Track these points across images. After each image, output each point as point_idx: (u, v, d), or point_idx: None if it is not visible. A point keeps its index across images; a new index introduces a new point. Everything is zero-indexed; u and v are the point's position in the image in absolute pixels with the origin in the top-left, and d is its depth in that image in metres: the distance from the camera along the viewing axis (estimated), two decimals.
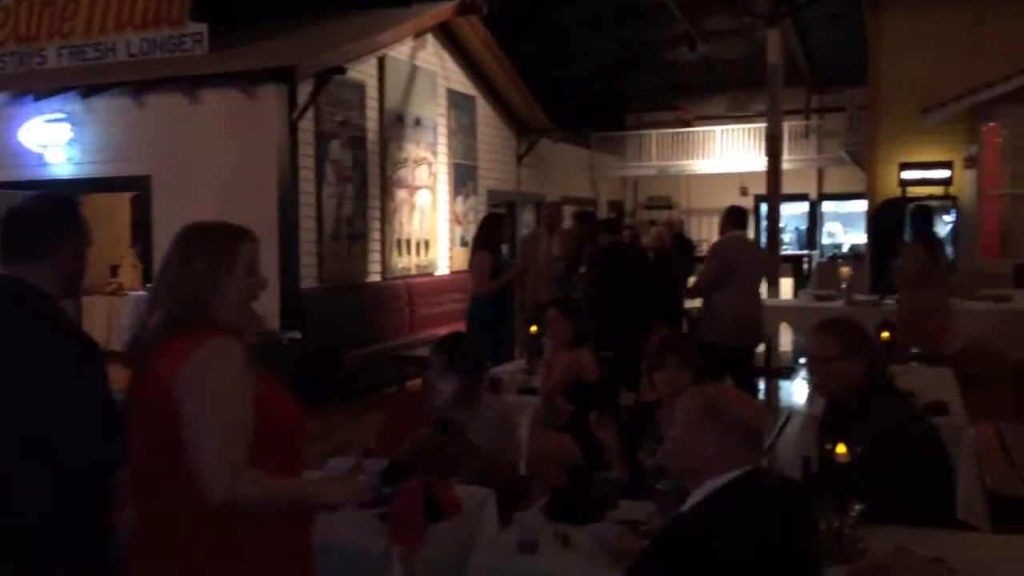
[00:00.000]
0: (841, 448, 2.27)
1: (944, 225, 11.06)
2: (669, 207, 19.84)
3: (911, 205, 8.63)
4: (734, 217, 6.69)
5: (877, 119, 11.43)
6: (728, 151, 18.85)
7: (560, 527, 2.45)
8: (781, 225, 21.63)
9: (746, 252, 6.72)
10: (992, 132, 10.98)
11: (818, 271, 14.72)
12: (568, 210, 11.14)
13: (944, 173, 10.73)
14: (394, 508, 2.52)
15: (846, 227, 21.64)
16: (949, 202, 10.82)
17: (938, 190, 10.82)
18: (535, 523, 2.44)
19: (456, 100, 11.44)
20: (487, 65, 11.91)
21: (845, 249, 19.53)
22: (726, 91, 19.22)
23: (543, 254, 7.02)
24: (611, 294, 5.99)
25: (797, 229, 21.03)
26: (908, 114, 10.75)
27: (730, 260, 6.36)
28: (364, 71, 9.45)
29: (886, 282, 9.85)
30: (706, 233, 20.27)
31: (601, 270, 6.33)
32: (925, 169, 10.84)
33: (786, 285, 13.53)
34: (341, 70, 8.46)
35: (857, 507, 2.23)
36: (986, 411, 7.66)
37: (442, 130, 11.10)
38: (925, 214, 7.07)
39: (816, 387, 2.76)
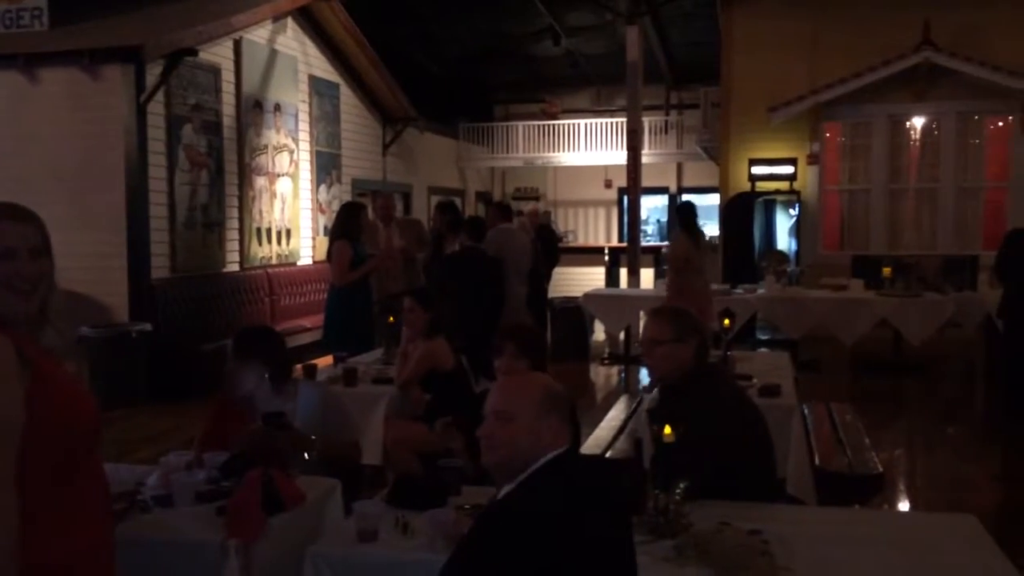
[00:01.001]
0: (667, 429, 2.38)
1: (789, 219, 11.70)
2: (536, 198, 20.11)
3: (682, 202, 8.87)
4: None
5: (729, 116, 11.95)
6: (593, 144, 19.26)
7: (401, 514, 2.47)
8: (644, 217, 22.39)
9: (511, 245, 7.06)
10: (832, 131, 11.69)
11: None
12: (465, 202, 11.11)
13: (789, 169, 11.33)
14: (231, 501, 2.47)
15: (706, 219, 22.56)
16: (794, 196, 11.43)
17: (784, 185, 11.42)
18: (375, 511, 2.44)
19: (319, 87, 11.22)
20: (351, 52, 11.73)
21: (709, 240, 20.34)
22: (591, 85, 19.62)
23: (384, 245, 6.98)
24: (465, 296, 6.03)
25: (659, 221, 21.73)
26: (757, 112, 11.29)
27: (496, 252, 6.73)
28: (219, 53, 9.14)
29: (737, 272, 10.38)
30: (572, 224, 20.72)
31: (455, 275, 6.36)
32: (772, 165, 11.42)
33: (647, 275, 13.95)
34: (193, 51, 8.15)
35: (682, 485, 2.35)
36: (823, 393, 8.20)
37: (304, 117, 10.87)
38: (689, 207, 7.75)
39: (649, 369, 2.88)
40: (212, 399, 3.66)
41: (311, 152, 11.03)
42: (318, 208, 11.12)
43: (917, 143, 11.45)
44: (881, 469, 4.00)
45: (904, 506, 5.10)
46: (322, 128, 11.29)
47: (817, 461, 4.07)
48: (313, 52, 11.15)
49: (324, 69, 11.43)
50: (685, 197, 21.27)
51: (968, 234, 11.24)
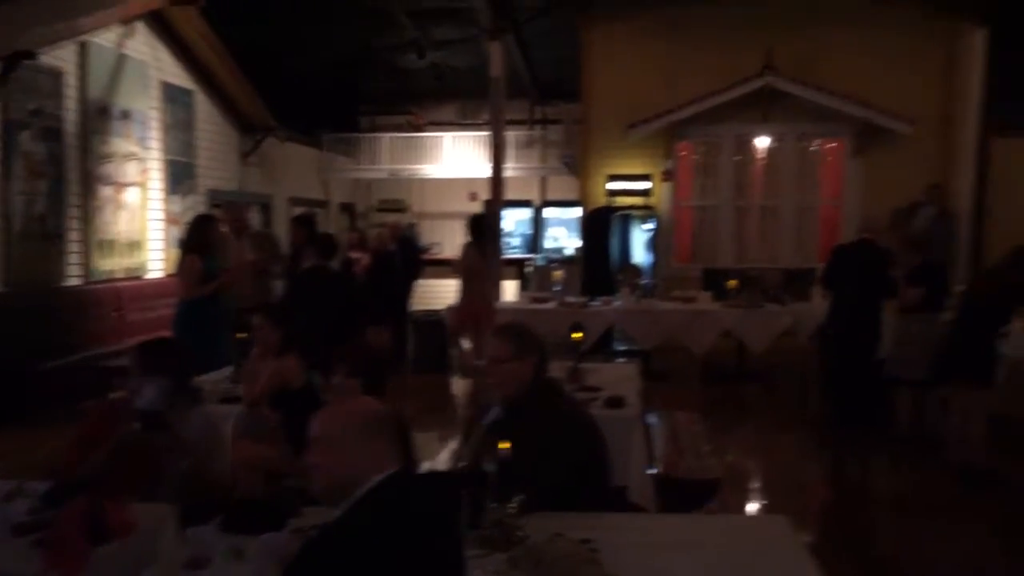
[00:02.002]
0: (504, 444, 2.45)
1: (644, 233, 12.13)
2: (402, 210, 20.04)
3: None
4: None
5: (589, 133, 12.31)
6: (458, 157, 19.39)
7: (237, 539, 2.42)
8: (509, 230, 22.67)
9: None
10: (685, 149, 12.23)
11: (536, 274, 15.55)
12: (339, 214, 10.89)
13: (645, 185, 11.78)
14: (51, 532, 2.36)
15: (570, 232, 23.06)
16: (649, 211, 11.87)
17: (640, 200, 11.85)
18: (209, 537, 2.39)
19: (171, 93, 10.82)
20: (207, 58, 11.38)
21: (569, 253, 20.79)
22: (456, 99, 19.73)
23: (235, 258, 6.82)
24: (313, 315, 5.97)
25: (523, 234, 22.06)
26: (615, 129, 11.69)
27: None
28: (62, 57, 8.68)
29: (595, 284, 10.68)
30: (438, 236, 20.74)
31: (304, 293, 6.29)
32: (629, 181, 11.83)
33: (511, 287, 14.16)
34: (31, 55, 7.71)
35: (518, 498, 2.42)
36: (674, 401, 8.55)
37: (155, 124, 10.45)
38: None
39: (492, 387, 2.95)
40: (84, 410, 3.46)
41: (162, 161, 10.61)
42: (170, 219, 10.70)
43: (761, 163, 12.13)
44: (718, 474, 4.22)
45: (749, 508, 5.38)
46: (175, 136, 10.88)
47: (659, 469, 4.25)
48: (166, 57, 10.75)
49: (177, 75, 11.03)
50: (546, 211, 21.72)
51: (806, 249, 11.98)
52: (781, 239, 12.08)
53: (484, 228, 8.44)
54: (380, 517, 1.78)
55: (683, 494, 4.14)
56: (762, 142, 12.02)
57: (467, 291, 8.44)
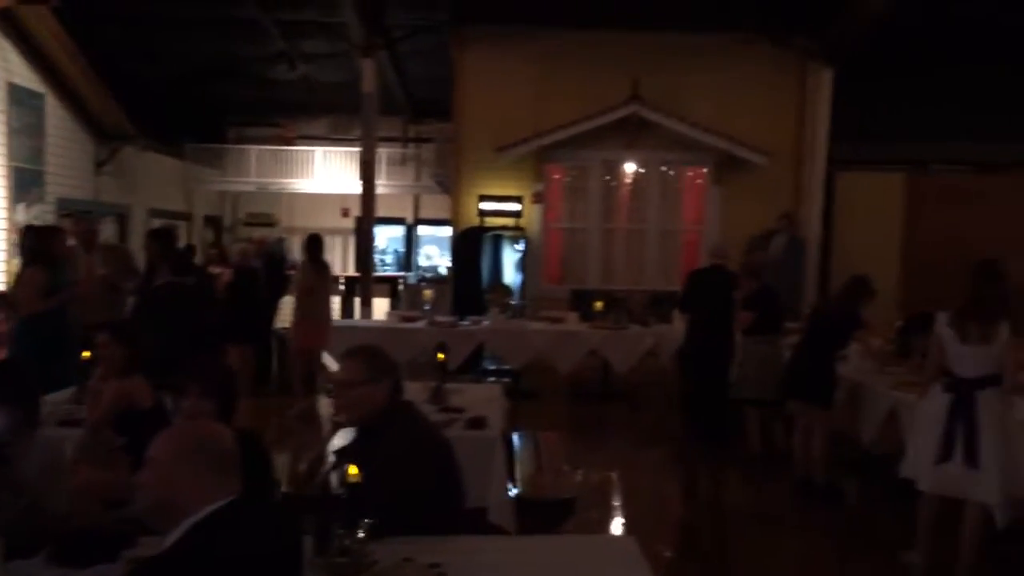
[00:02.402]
0: (353, 469, 2.41)
1: (515, 253, 12.26)
2: (270, 224, 19.56)
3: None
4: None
5: (461, 153, 12.36)
6: (330, 172, 19.12)
7: (66, 572, 2.28)
8: (383, 247, 22.48)
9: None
10: (555, 172, 12.46)
11: (407, 293, 15.49)
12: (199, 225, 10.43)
13: (516, 206, 11.91)
14: None
15: (443, 251, 23.10)
16: (520, 232, 12.01)
17: (511, 221, 11.96)
18: (36, 570, 2.24)
19: (19, 96, 10.20)
20: (59, 60, 10.79)
21: (443, 271, 20.82)
22: (328, 113, 19.49)
23: (84, 272, 6.47)
24: (165, 333, 5.73)
25: (396, 251, 21.94)
26: (487, 150, 11.78)
27: None
28: None
29: (466, 304, 10.71)
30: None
31: (157, 311, 6.03)
32: (500, 202, 11.93)
33: (382, 305, 14.01)
34: None
35: (366, 523, 2.38)
36: (542, 421, 8.65)
37: (0, 128, 9.80)
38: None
39: (341, 411, 2.90)
40: None
41: (7, 167, 9.96)
42: (14, 229, 10.04)
43: (628, 188, 12.51)
44: (575, 493, 4.28)
45: (609, 525, 5.47)
46: (22, 141, 10.25)
47: (518, 489, 4.28)
48: (14, 59, 10.13)
49: (27, 77, 10.41)
50: (420, 229, 21.72)
51: (670, 272, 12.40)
52: (646, 262, 12.46)
53: (320, 249, 8.75)
54: (206, 551, 1.71)
55: (541, 514, 4.19)
56: (629, 168, 12.40)
57: (301, 310, 8.68)
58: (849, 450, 6.37)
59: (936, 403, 4.38)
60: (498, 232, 12.13)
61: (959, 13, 10.83)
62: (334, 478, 2.60)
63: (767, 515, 6.03)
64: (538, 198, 12.22)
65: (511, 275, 12.38)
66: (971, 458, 4.19)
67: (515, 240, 12.19)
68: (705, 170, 12.33)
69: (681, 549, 5.29)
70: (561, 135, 11.64)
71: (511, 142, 11.62)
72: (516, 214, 11.94)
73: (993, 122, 11.63)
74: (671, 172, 12.48)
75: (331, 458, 2.87)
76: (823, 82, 11.64)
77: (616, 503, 6.14)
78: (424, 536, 2.65)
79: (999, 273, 4.50)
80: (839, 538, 5.37)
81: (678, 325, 8.49)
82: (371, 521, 2.39)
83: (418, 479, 2.64)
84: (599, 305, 9.66)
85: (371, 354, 2.90)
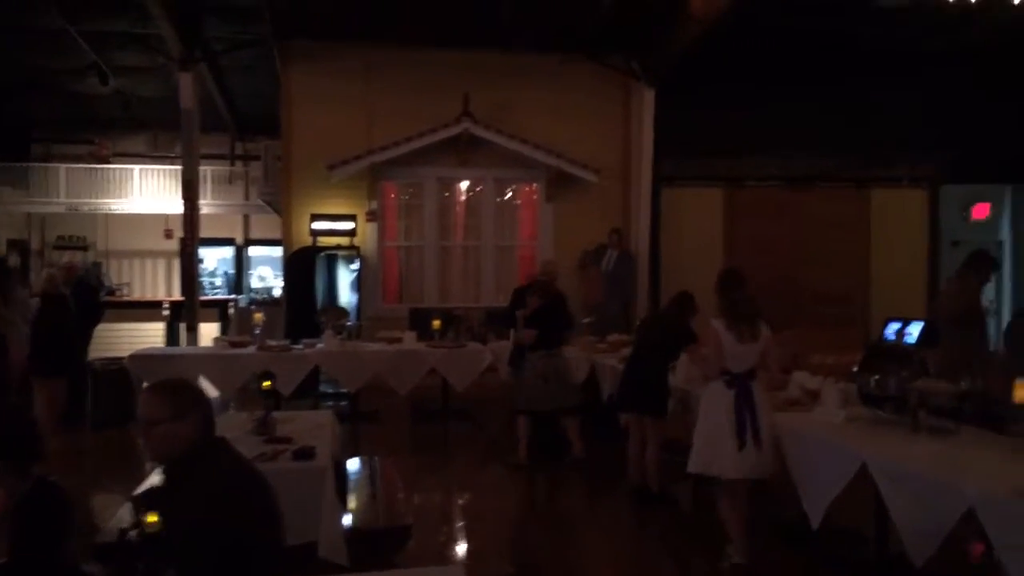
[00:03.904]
0: (152, 516, 2.18)
1: (350, 273, 11.99)
2: (84, 248, 18.24)
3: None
4: None
5: (290, 171, 11.96)
6: (151, 191, 18.09)
7: None
8: (211, 269, 21.47)
9: None
10: (389, 190, 12.29)
11: (237, 317, 14.82)
12: None
13: (349, 225, 11.64)
14: None
15: (276, 272, 22.32)
16: (354, 251, 11.74)
17: (345, 240, 11.68)
18: None
19: None
20: None
21: (276, 293, 20.10)
22: (147, 129, 18.46)
23: None
24: None
25: (226, 273, 21.02)
26: (317, 168, 11.45)
27: None
28: None
29: (299, 326, 10.34)
30: (127, 276, 19.13)
31: None
32: (333, 220, 11.63)
33: (210, 330, 13.32)
34: None
35: (170, 572, 2.16)
36: (383, 444, 8.45)
37: None
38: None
39: (147, 451, 2.64)
40: None
41: None
42: None
43: (463, 205, 12.51)
44: (410, 520, 4.15)
45: (447, 548, 5.35)
46: None
47: (350, 520, 4.10)
48: None
49: None
50: (252, 249, 20.93)
51: (507, 288, 12.47)
52: (483, 279, 12.49)
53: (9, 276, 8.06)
54: None
55: (376, 544, 4.03)
56: (463, 185, 12.41)
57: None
58: (681, 457, 6.56)
59: (722, 398, 4.87)
60: (332, 252, 11.83)
61: (769, 39, 11.56)
62: (134, 526, 2.34)
63: (605, 524, 6.11)
64: (372, 216, 12.01)
65: (347, 295, 12.10)
66: (757, 440, 4.76)
67: (350, 259, 11.93)
68: (537, 187, 12.53)
69: (521, 565, 5.25)
70: (394, 152, 11.50)
71: (343, 160, 11.36)
72: (350, 233, 11.68)
73: (801, 140, 12.50)
74: (505, 189, 12.60)
75: (136, 503, 2.60)
76: (646, 102, 12.11)
77: (458, 525, 6.05)
78: None
79: (742, 278, 5.25)
80: (673, 543, 5.49)
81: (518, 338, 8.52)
82: (178, 570, 2.16)
83: (228, 520, 2.42)
84: (437, 323, 9.57)
85: (173, 389, 2.66)
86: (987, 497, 3.23)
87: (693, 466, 5.01)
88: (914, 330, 9.84)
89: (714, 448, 4.87)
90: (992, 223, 13.53)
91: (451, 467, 8.00)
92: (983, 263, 6.90)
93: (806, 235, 12.89)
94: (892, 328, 10.20)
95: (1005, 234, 13.56)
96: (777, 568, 5.01)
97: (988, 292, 11.07)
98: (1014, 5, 10.03)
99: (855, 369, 4.88)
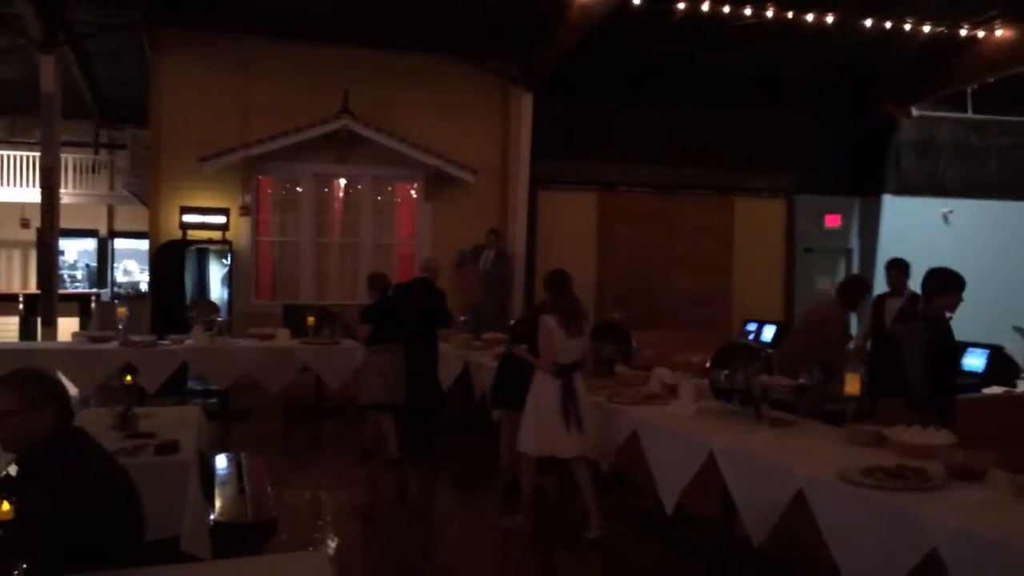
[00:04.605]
0: (5, 506, 2.17)
1: (222, 268, 11.71)
2: None
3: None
4: None
5: (159, 162, 11.56)
6: (7, 179, 17.10)
7: None
8: (72, 261, 20.48)
9: None
10: (264, 184, 12.07)
11: (99, 311, 14.21)
12: None
13: (221, 219, 11.35)
14: None
15: (143, 266, 21.46)
16: (226, 246, 11.47)
17: (216, 234, 11.40)
18: None
19: None
20: None
21: (143, 287, 19.34)
22: (5, 114, 17.43)
23: None
24: None
25: (88, 266, 20.09)
26: (189, 160, 11.12)
27: None
28: None
29: (167, 321, 10.04)
30: None
31: None
32: (205, 214, 11.32)
33: (69, 325, 12.70)
34: None
35: (23, 566, 2.15)
36: (253, 441, 8.33)
37: None
38: None
39: (1, 442, 2.59)
40: None
41: None
42: None
43: (341, 201, 12.43)
44: (274, 514, 4.16)
45: (321, 545, 5.37)
46: None
47: (215, 514, 4.08)
48: None
49: None
50: (117, 242, 20.09)
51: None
52: (360, 276, 12.42)
53: None
54: None
55: (240, 538, 4.02)
56: (342, 182, 12.33)
57: None
58: None
59: (550, 387, 5.37)
60: (203, 245, 11.52)
61: (638, 58, 12.04)
62: None
63: (475, 517, 6.26)
64: (246, 210, 11.77)
65: (218, 291, 11.81)
66: (579, 424, 5.34)
67: (222, 254, 11.65)
68: (416, 186, 12.58)
69: (389, 557, 5.33)
70: (270, 146, 11.31)
71: (216, 152, 11.08)
72: (222, 227, 11.41)
73: (669, 150, 13.05)
74: (383, 187, 12.59)
75: None
76: (524, 105, 12.35)
77: (327, 519, 6.06)
78: (99, 572, 2.44)
79: (565, 279, 5.63)
80: (541, 532, 5.68)
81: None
82: (31, 562, 2.15)
83: (83, 511, 2.42)
84: (311, 320, 9.49)
85: (28, 378, 2.62)
86: (814, 480, 3.54)
87: (527, 448, 5.48)
88: (769, 332, 10.50)
89: (546, 432, 5.37)
90: (843, 232, 14.47)
91: (323, 464, 7.99)
92: (855, 292, 6.83)
93: (674, 240, 13.46)
94: (750, 328, 10.87)
95: (854, 242, 14.54)
96: (634, 554, 5.29)
97: None
98: (867, 28, 10.86)
99: (707, 365, 5.20)
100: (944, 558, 2.83)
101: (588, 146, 12.80)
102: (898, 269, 7.88)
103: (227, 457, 5.83)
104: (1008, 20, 11.25)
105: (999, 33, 11.48)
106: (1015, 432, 5.47)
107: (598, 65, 11.89)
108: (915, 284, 5.96)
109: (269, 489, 4.57)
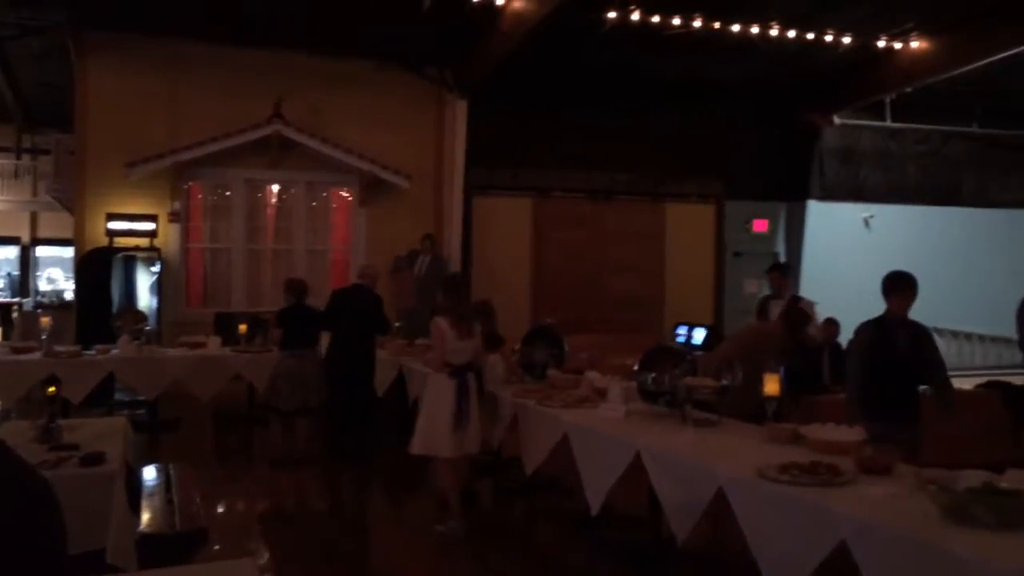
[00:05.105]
0: None
1: (151, 276, 11.48)
2: None
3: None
4: None
5: (85, 167, 11.29)
6: None
7: None
8: None
9: None
10: (194, 190, 11.88)
11: (22, 320, 13.80)
12: None
13: (150, 226, 11.14)
14: None
15: (68, 274, 20.87)
16: (155, 253, 11.26)
17: (145, 241, 11.18)
18: None
19: None
20: None
21: (68, 296, 18.81)
22: None
23: None
24: None
25: (10, 274, 19.48)
26: (116, 165, 10.89)
27: None
28: None
29: (92, 331, 9.80)
30: None
31: None
32: (132, 221, 11.09)
33: None
34: None
35: None
36: (184, 451, 8.21)
37: None
38: None
39: None
40: None
41: None
42: None
43: (274, 207, 12.30)
44: (204, 524, 4.14)
45: (252, 554, 5.33)
46: None
47: (142, 526, 4.04)
48: None
49: None
50: (40, 249, 19.52)
51: (319, 292, 12.28)
52: None
53: None
54: None
55: (168, 549, 3.99)
56: (274, 188, 12.21)
57: None
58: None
59: (444, 388, 5.58)
60: (130, 253, 11.28)
61: (571, 66, 12.21)
62: None
63: (408, 523, 6.29)
64: (175, 217, 11.56)
65: (146, 299, 11.58)
66: (467, 423, 5.59)
67: (150, 261, 11.42)
68: (351, 191, 12.52)
69: (322, 564, 5.33)
70: (200, 152, 11.14)
71: (143, 157, 10.88)
72: (151, 234, 11.19)
73: (602, 156, 13.26)
74: (318, 193, 12.50)
75: None
76: (459, 111, 12.41)
77: (258, 528, 6.02)
78: None
79: (460, 284, 6.04)
80: (475, 536, 5.73)
81: (324, 343, 8.54)
82: None
83: (2, 526, 2.38)
84: (243, 328, 9.39)
85: None
86: (733, 477, 3.67)
87: (417, 448, 5.69)
88: (699, 335, 10.73)
89: (432, 432, 5.59)
90: (770, 236, 14.87)
91: (254, 472, 7.91)
92: (797, 321, 6.48)
93: (608, 245, 13.67)
94: (680, 332, 11.09)
95: (780, 246, 14.95)
96: (564, 554, 5.38)
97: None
98: (790, 39, 11.21)
99: (635, 368, 5.32)
100: (851, 549, 2.98)
101: (522, 152, 12.92)
102: (778, 272, 8.24)
103: (155, 468, 5.76)
104: (924, 32, 11.74)
105: (915, 45, 11.97)
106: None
107: (532, 72, 12.02)
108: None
109: (198, 499, 4.53)
